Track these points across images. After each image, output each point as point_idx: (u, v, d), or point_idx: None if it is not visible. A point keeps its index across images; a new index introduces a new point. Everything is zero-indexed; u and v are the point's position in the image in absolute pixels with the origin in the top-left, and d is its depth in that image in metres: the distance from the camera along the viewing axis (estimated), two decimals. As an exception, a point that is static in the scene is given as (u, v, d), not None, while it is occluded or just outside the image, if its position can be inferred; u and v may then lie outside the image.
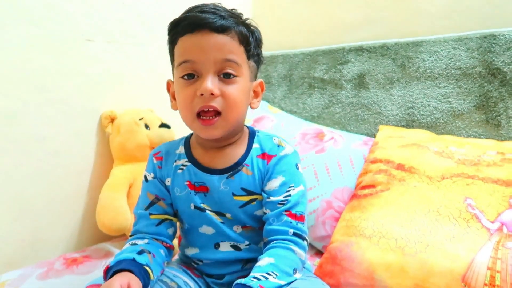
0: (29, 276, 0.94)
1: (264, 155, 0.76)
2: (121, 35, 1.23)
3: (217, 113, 0.69)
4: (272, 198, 0.73)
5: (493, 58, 1.12)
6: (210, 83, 0.67)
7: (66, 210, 1.14)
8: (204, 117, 0.69)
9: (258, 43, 0.76)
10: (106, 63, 1.20)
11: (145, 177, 0.81)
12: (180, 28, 0.70)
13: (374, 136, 1.28)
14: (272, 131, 1.32)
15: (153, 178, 0.79)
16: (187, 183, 0.76)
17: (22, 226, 1.04)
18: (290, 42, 1.61)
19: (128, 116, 1.18)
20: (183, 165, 0.78)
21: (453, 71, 1.18)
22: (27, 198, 1.04)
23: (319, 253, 1.09)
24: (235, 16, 0.72)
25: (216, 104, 0.68)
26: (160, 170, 0.79)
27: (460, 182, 0.90)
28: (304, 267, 0.74)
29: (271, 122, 1.38)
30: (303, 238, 0.72)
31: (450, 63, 1.19)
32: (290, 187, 0.73)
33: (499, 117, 1.12)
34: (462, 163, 0.95)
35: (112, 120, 1.19)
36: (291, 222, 0.71)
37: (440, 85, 1.21)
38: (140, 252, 0.71)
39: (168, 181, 0.79)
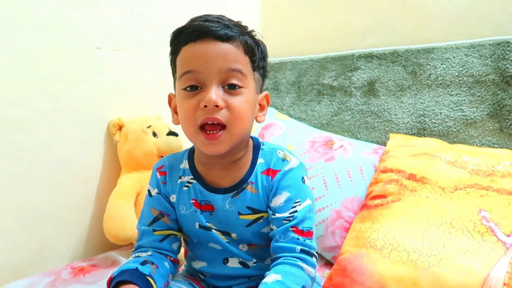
0: (37, 285, 0.93)
1: (268, 171, 0.73)
2: (129, 43, 1.23)
3: (222, 126, 0.65)
4: (277, 215, 0.70)
5: (507, 65, 1.09)
6: (214, 94, 0.63)
7: (74, 218, 1.14)
8: (209, 131, 0.65)
9: (264, 56, 0.73)
10: (114, 71, 1.20)
11: (149, 191, 0.79)
12: (183, 37, 0.67)
13: (384, 144, 1.26)
14: (280, 139, 1.31)
15: (157, 193, 0.77)
16: (193, 201, 0.75)
17: (29, 235, 1.04)
18: (299, 48, 1.60)
19: (136, 124, 1.18)
20: (188, 182, 0.75)
21: (465, 79, 1.16)
22: (34, 206, 1.04)
23: (328, 263, 1.08)
24: (240, 26, 0.70)
25: (221, 116, 0.64)
26: (164, 186, 0.77)
27: (474, 194, 0.88)
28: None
29: (280, 129, 1.36)
30: (312, 255, 0.69)
31: (462, 70, 1.16)
32: (296, 202, 0.71)
33: (513, 125, 1.09)
34: (475, 173, 0.93)
35: (120, 128, 1.18)
36: (298, 239, 0.69)
37: (452, 93, 1.18)
38: (143, 263, 0.70)
39: (173, 198, 0.77)
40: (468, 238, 0.80)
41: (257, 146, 0.76)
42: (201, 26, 0.66)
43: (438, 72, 1.20)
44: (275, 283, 0.63)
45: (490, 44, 1.12)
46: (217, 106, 0.64)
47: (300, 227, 0.69)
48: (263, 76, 0.75)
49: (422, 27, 1.32)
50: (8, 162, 0.98)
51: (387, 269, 0.82)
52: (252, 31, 0.72)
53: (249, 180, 0.73)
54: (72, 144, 1.11)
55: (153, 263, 0.71)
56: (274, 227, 0.71)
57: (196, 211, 0.75)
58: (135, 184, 1.13)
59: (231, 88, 0.66)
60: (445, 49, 1.20)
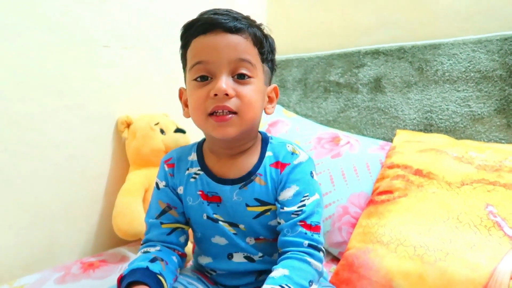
0: (47, 280, 0.95)
1: (277, 164, 0.73)
2: (136, 41, 1.24)
3: (233, 113, 0.66)
4: (286, 209, 0.70)
5: (515, 60, 1.09)
6: (224, 83, 0.64)
7: (83, 215, 1.15)
8: (219, 113, 0.66)
9: (272, 49, 0.74)
10: (122, 69, 1.21)
11: (157, 184, 0.79)
12: (193, 30, 0.68)
13: (391, 140, 1.26)
14: (287, 136, 1.31)
15: (165, 186, 0.78)
16: (200, 192, 0.75)
17: (39, 230, 1.05)
18: (305, 45, 1.60)
19: (143, 121, 1.19)
20: (195, 173, 0.76)
21: (472, 74, 1.16)
22: (44, 202, 1.06)
23: (335, 259, 1.08)
24: (248, 19, 0.71)
25: (231, 104, 0.65)
26: (172, 178, 0.78)
27: (480, 189, 0.88)
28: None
29: (286, 126, 1.37)
30: (319, 250, 0.69)
31: (469, 66, 1.16)
32: (304, 196, 0.71)
33: (521, 121, 1.09)
34: (482, 168, 0.92)
35: (128, 125, 1.20)
36: (306, 233, 0.69)
37: (459, 89, 1.18)
38: (152, 260, 0.70)
39: (180, 190, 0.77)
40: (475, 233, 0.80)
41: (265, 140, 0.77)
42: (211, 18, 0.67)
43: (445, 68, 1.20)
44: (282, 278, 0.63)
45: (497, 40, 1.12)
46: (227, 94, 0.65)
47: (308, 222, 0.69)
48: (272, 69, 0.76)
49: (429, 23, 1.31)
50: (17, 159, 0.99)
51: (394, 264, 0.82)
52: (261, 24, 0.73)
53: (257, 172, 0.73)
54: (80, 142, 1.12)
55: (162, 260, 0.71)
56: (282, 221, 0.71)
57: (203, 203, 0.75)
58: (143, 181, 1.14)
59: (240, 78, 0.67)
60: (452, 45, 1.19)
